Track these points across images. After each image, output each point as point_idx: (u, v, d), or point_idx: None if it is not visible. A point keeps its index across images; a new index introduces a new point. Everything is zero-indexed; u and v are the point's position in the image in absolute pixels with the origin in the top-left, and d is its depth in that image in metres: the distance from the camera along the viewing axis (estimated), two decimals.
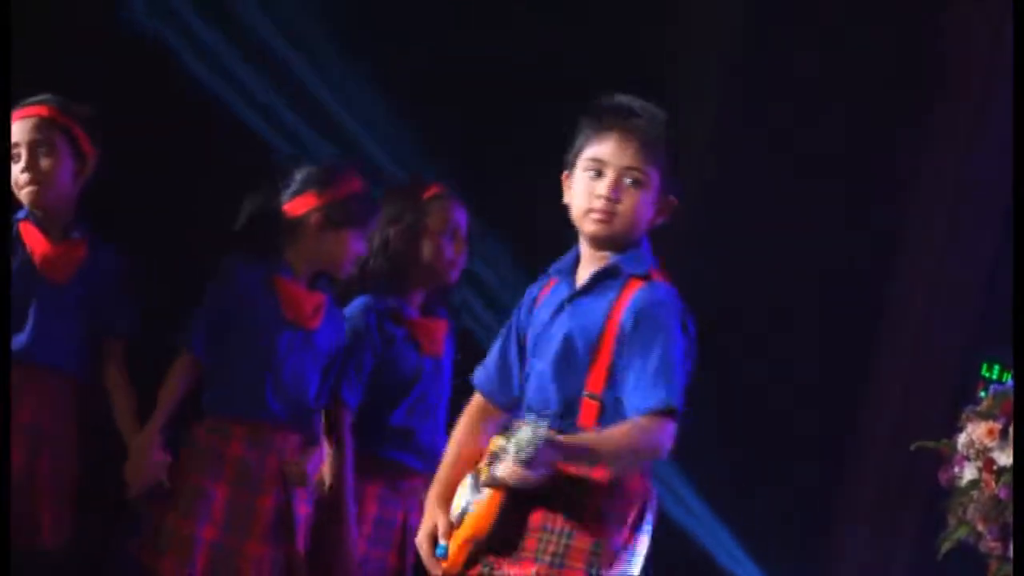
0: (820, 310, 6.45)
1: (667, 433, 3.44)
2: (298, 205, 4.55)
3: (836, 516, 6.54)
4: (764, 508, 6.18)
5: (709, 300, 6.55)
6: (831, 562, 6.49)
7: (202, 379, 4.52)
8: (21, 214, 4.58)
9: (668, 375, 3.44)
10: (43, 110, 4.54)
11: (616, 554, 3.47)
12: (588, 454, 3.42)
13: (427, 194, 4.72)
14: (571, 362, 3.51)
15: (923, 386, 6.37)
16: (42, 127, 4.52)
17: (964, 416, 4.27)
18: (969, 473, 4.21)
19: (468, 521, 3.52)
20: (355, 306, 4.64)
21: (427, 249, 4.67)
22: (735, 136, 6.52)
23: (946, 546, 4.25)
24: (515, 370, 3.67)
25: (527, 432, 3.29)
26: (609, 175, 3.54)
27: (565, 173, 3.64)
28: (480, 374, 3.75)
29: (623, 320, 3.49)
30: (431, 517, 3.60)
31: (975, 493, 4.19)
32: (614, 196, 3.53)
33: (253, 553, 4.43)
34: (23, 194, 4.53)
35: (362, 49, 6.00)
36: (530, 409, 3.49)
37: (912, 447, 4.38)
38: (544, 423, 3.30)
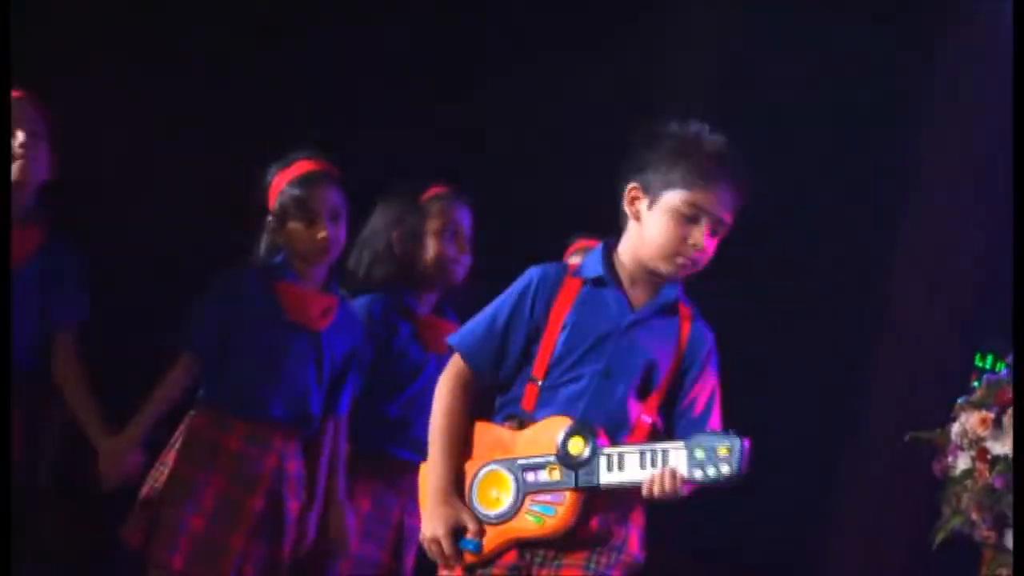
0: (820, 307, 6.44)
1: None
2: (269, 202, 4.56)
3: (836, 513, 6.53)
4: (762, 504, 6.17)
5: (709, 299, 6.59)
6: (829, 557, 6.49)
7: (199, 378, 4.52)
8: None
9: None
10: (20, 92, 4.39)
11: (640, 566, 3.53)
12: None
13: (426, 195, 4.71)
14: (648, 386, 3.53)
15: (924, 382, 6.37)
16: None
17: (957, 406, 4.26)
18: (963, 463, 4.20)
19: (529, 525, 3.42)
20: (360, 300, 4.64)
21: (429, 249, 4.66)
22: (734, 135, 6.50)
23: (940, 536, 4.23)
24: (514, 356, 3.55)
25: (736, 448, 3.34)
26: (705, 224, 3.51)
27: (633, 187, 3.56)
28: (469, 342, 3.60)
29: (687, 353, 3.56)
30: (451, 513, 3.45)
31: (969, 482, 4.18)
32: (708, 246, 3.53)
33: (237, 548, 4.42)
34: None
35: None
36: (587, 420, 3.44)
37: (906, 437, 4.38)
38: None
